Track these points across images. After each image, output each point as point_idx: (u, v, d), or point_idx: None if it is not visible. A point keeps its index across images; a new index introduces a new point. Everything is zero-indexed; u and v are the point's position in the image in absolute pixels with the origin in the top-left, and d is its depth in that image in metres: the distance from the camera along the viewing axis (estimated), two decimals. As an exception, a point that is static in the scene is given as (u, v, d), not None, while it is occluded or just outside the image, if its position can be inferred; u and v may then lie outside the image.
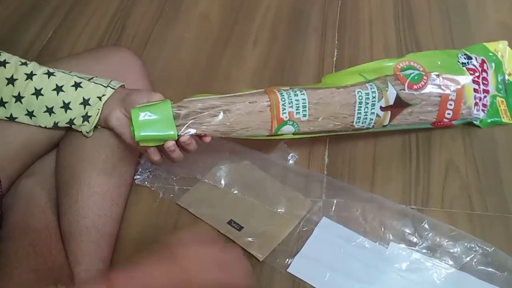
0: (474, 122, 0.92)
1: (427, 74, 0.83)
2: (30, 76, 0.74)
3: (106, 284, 0.55)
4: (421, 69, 0.84)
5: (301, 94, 0.77)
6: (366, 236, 0.80)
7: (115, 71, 0.84)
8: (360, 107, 0.79)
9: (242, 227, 0.81)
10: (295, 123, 0.77)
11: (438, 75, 0.84)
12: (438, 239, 0.78)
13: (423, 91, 0.83)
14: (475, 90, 0.87)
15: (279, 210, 0.83)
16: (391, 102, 0.81)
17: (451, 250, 0.77)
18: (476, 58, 0.90)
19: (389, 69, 0.84)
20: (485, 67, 0.90)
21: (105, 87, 0.75)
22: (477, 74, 0.88)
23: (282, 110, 0.75)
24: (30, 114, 0.76)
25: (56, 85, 0.75)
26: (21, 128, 0.77)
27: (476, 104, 0.88)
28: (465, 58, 0.88)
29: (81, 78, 0.76)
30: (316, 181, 0.88)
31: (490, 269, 0.74)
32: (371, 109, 0.80)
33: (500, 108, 0.93)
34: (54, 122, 0.76)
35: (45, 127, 0.77)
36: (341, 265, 0.77)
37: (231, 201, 0.85)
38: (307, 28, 1.18)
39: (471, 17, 1.16)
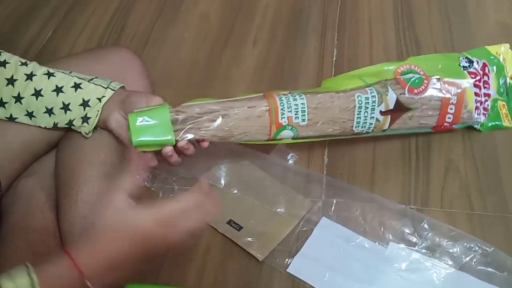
0: (475, 126, 0.91)
1: (428, 78, 0.83)
2: (30, 76, 0.74)
3: (70, 262, 0.52)
4: (421, 72, 0.84)
5: (300, 98, 0.76)
6: (365, 236, 0.80)
7: (114, 71, 0.84)
8: (360, 111, 0.79)
9: (242, 227, 0.81)
10: (294, 128, 0.76)
11: (438, 79, 0.83)
12: (437, 239, 0.78)
13: (423, 95, 0.82)
14: (476, 94, 0.86)
15: (278, 210, 0.83)
16: (391, 107, 0.81)
17: (451, 250, 0.77)
18: (477, 62, 0.89)
19: (389, 73, 0.83)
20: (486, 71, 0.90)
21: (105, 88, 0.75)
22: (478, 77, 0.87)
23: (281, 115, 0.75)
24: (30, 114, 0.76)
25: (56, 86, 0.75)
26: (21, 128, 0.77)
27: (477, 108, 0.87)
28: (466, 62, 0.88)
29: (81, 79, 0.76)
30: (315, 181, 0.88)
31: (489, 269, 0.74)
32: (371, 113, 0.80)
33: (501, 112, 0.92)
34: (54, 122, 0.76)
35: (45, 128, 0.77)
36: (340, 265, 0.77)
37: (230, 201, 0.85)
38: (306, 28, 1.18)
39: (471, 17, 1.16)
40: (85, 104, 0.74)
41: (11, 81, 0.74)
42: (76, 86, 0.75)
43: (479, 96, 0.87)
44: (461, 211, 0.82)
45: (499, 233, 0.79)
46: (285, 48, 1.14)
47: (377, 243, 0.79)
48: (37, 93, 0.74)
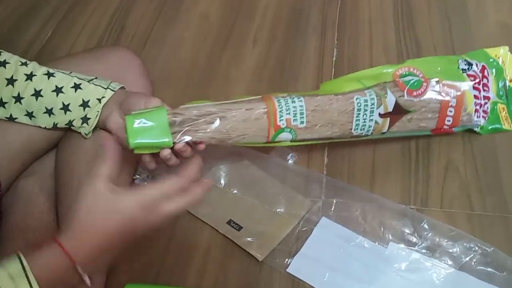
0: (475, 129, 0.91)
1: (427, 81, 0.83)
2: (30, 76, 0.74)
3: (60, 250, 0.53)
4: (420, 75, 0.83)
5: (298, 101, 0.76)
6: (365, 236, 0.80)
7: (114, 70, 0.84)
8: (359, 114, 0.79)
9: (242, 227, 0.81)
10: (292, 130, 0.76)
11: (438, 82, 0.83)
12: (437, 239, 0.78)
13: (422, 98, 0.82)
14: (476, 97, 0.86)
15: (278, 210, 0.83)
16: (390, 109, 0.81)
17: (451, 250, 0.77)
18: (476, 64, 0.89)
19: (388, 75, 0.83)
20: (485, 73, 0.90)
21: (105, 89, 0.75)
22: (477, 80, 0.87)
23: (279, 117, 0.74)
24: (30, 114, 0.76)
25: (56, 86, 0.75)
26: (21, 128, 0.77)
27: (476, 110, 0.87)
28: (465, 64, 0.88)
29: (81, 79, 0.76)
30: (315, 181, 0.88)
31: (489, 269, 0.74)
32: (370, 116, 0.79)
33: (501, 115, 0.92)
34: (54, 123, 0.76)
35: (45, 128, 0.77)
36: (340, 265, 0.77)
37: (230, 201, 0.85)
38: (306, 28, 1.18)
39: (471, 17, 1.16)
40: (85, 104, 0.74)
41: (11, 81, 0.74)
42: (76, 87, 0.75)
43: (478, 99, 0.87)
44: (461, 211, 0.82)
45: (499, 233, 0.79)
46: (285, 48, 1.14)
47: (377, 243, 0.79)
48: (37, 94, 0.74)
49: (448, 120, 0.85)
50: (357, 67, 1.08)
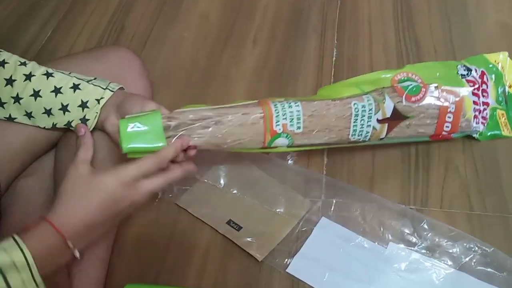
0: (474, 135, 0.90)
1: (425, 86, 0.82)
2: (28, 77, 0.74)
3: (52, 228, 0.58)
4: (419, 80, 0.83)
5: (295, 105, 0.75)
6: (365, 236, 0.80)
7: (114, 70, 0.84)
8: (356, 119, 0.78)
9: (241, 227, 0.81)
10: (289, 136, 0.75)
11: (436, 87, 0.82)
12: (437, 239, 0.78)
13: (421, 103, 0.81)
14: (475, 103, 0.86)
15: (278, 210, 0.83)
16: (388, 115, 0.80)
17: (450, 250, 0.77)
18: (475, 70, 0.88)
19: (386, 80, 0.82)
20: (485, 79, 0.89)
21: (104, 89, 0.74)
22: (476, 86, 0.86)
23: (276, 122, 0.74)
24: (29, 115, 0.76)
25: (55, 86, 0.74)
26: (20, 128, 0.77)
27: (475, 116, 0.86)
28: (464, 70, 0.87)
29: (80, 79, 0.75)
30: (315, 181, 0.88)
31: (489, 269, 0.74)
32: (368, 121, 0.79)
33: (500, 121, 0.91)
34: (53, 123, 0.76)
35: (44, 128, 0.77)
36: (340, 265, 0.77)
37: (230, 201, 0.85)
38: (306, 28, 1.18)
39: (471, 17, 1.16)
40: (83, 105, 0.74)
41: (10, 81, 0.74)
42: (75, 87, 0.75)
43: (477, 105, 0.86)
44: (460, 211, 0.82)
45: (499, 233, 0.79)
46: (285, 48, 1.14)
47: (376, 243, 0.79)
48: (36, 94, 0.74)
49: (447, 126, 0.84)
50: (357, 67, 1.08)
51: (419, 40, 1.12)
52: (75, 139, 0.76)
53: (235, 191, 0.87)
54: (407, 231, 0.80)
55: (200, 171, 0.89)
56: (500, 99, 0.92)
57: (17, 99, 0.75)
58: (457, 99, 0.83)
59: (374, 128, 0.80)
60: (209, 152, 0.84)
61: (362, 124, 0.78)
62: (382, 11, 1.20)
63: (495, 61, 0.93)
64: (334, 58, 1.10)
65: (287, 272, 0.77)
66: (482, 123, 0.89)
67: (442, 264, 0.76)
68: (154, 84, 0.93)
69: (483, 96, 0.88)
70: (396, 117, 0.81)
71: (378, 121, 0.80)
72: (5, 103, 0.75)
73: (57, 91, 0.74)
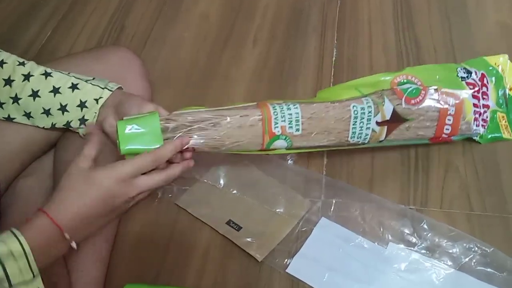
0: (474, 138, 0.90)
1: (425, 89, 0.82)
2: (27, 77, 0.74)
3: (49, 220, 0.59)
4: (419, 83, 0.82)
5: (294, 108, 0.75)
6: (365, 236, 0.79)
7: (114, 70, 0.84)
8: (355, 122, 0.78)
9: (241, 227, 0.81)
10: (287, 138, 0.75)
11: (436, 90, 0.82)
12: (437, 240, 0.78)
13: (420, 106, 0.81)
14: (475, 105, 0.85)
15: (278, 210, 0.83)
16: (388, 117, 0.80)
17: (450, 251, 0.77)
18: (475, 72, 0.88)
19: (386, 83, 0.82)
20: (485, 82, 0.89)
21: (102, 88, 0.74)
22: (476, 88, 0.86)
23: (274, 124, 0.74)
24: (28, 115, 0.76)
25: (53, 86, 0.74)
26: (20, 128, 0.77)
27: (475, 119, 0.86)
28: (464, 72, 0.86)
29: (78, 79, 0.75)
30: (315, 181, 0.87)
31: (489, 270, 0.74)
32: (367, 124, 0.78)
33: (500, 124, 0.91)
34: (52, 123, 0.76)
35: (43, 128, 0.77)
36: (340, 265, 0.77)
37: (230, 201, 0.85)
38: (306, 28, 1.18)
39: (470, 17, 1.16)
40: (82, 105, 0.74)
41: (8, 81, 0.74)
42: (73, 87, 0.74)
43: (477, 107, 0.86)
44: (460, 211, 0.82)
45: (499, 234, 0.79)
46: (285, 48, 1.14)
47: (376, 243, 0.79)
48: (35, 94, 0.74)
49: (446, 129, 0.84)
50: (357, 67, 1.08)
51: (419, 40, 1.12)
52: (75, 139, 0.76)
53: (234, 191, 0.87)
54: (407, 231, 0.80)
55: (200, 171, 0.89)
56: (501, 101, 0.92)
57: (16, 99, 0.75)
58: (457, 101, 0.83)
59: (373, 130, 0.79)
60: (208, 153, 0.85)
61: (361, 127, 0.78)
62: (382, 11, 1.20)
63: (495, 64, 0.92)
64: (334, 58, 1.10)
65: (287, 272, 0.77)
66: (482, 125, 0.88)
67: (442, 264, 0.76)
68: (154, 84, 0.93)
69: (483, 98, 0.87)
70: (396, 119, 0.80)
71: (378, 123, 0.79)
72: (4, 103, 0.75)
73: (55, 91, 0.74)
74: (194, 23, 1.22)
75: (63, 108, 0.75)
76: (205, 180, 0.88)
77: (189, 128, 0.69)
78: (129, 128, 0.66)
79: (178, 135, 0.68)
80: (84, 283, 0.72)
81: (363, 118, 0.78)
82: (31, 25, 1.23)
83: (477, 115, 0.86)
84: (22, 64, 0.75)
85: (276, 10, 1.23)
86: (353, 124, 0.78)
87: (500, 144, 0.91)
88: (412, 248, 0.78)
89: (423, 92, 0.81)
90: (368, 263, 0.77)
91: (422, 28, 1.14)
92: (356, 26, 1.17)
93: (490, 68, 0.92)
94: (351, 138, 0.79)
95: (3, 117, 0.76)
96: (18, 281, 0.53)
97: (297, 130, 0.75)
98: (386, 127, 0.80)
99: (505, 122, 0.92)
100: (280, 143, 0.76)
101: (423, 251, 0.77)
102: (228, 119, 0.71)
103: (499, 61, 0.93)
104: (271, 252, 0.79)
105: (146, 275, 0.79)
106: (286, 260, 0.78)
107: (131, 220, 0.85)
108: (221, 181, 0.88)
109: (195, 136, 0.69)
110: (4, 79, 0.74)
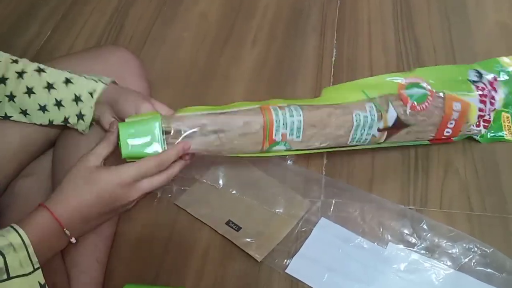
0: (475, 137, 0.90)
1: (432, 94, 0.80)
2: (21, 74, 0.74)
3: (50, 216, 0.60)
4: (428, 87, 0.80)
5: (297, 115, 0.74)
6: (364, 236, 0.79)
7: (113, 70, 0.84)
8: (357, 129, 0.77)
9: (240, 228, 0.81)
10: (287, 143, 0.75)
11: (443, 95, 0.80)
12: (436, 240, 0.78)
13: (425, 112, 0.80)
14: (480, 110, 0.83)
15: (277, 211, 0.83)
16: (390, 124, 0.79)
17: (450, 251, 0.77)
18: (487, 75, 0.86)
19: (393, 86, 0.80)
20: (495, 85, 0.86)
21: (96, 82, 0.74)
22: (485, 92, 0.84)
23: (275, 131, 0.73)
24: (24, 112, 0.76)
25: (47, 82, 0.74)
26: (18, 127, 0.77)
27: (478, 122, 0.86)
28: (475, 75, 0.85)
29: (72, 74, 0.75)
30: (314, 181, 0.87)
31: (488, 270, 0.74)
32: (368, 130, 0.78)
33: (504, 124, 0.90)
34: (49, 119, 0.76)
35: (41, 125, 0.77)
36: (339, 266, 0.76)
37: (229, 201, 0.85)
38: (306, 27, 1.18)
39: (470, 17, 1.16)
40: (77, 99, 0.74)
41: (2, 80, 0.74)
42: (67, 81, 0.74)
43: (483, 111, 0.84)
44: (460, 211, 0.82)
45: (498, 234, 0.79)
46: (284, 48, 1.14)
47: (376, 243, 0.79)
48: (29, 91, 0.74)
49: (447, 132, 0.83)
50: (357, 67, 1.08)
51: (418, 40, 1.12)
52: (74, 138, 0.76)
53: (234, 192, 0.87)
54: (406, 231, 0.80)
55: (199, 171, 0.89)
56: (508, 102, 0.90)
57: (11, 97, 0.74)
58: (463, 107, 0.81)
59: (373, 135, 0.79)
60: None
61: (362, 133, 0.78)
62: (382, 11, 1.20)
63: (508, 64, 0.90)
64: (333, 58, 1.10)
65: (287, 273, 0.77)
66: (484, 126, 0.88)
67: (441, 265, 0.76)
68: (154, 84, 0.93)
69: (490, 103, 0.85)
70: (398, 126, 0.80)
71: (379, 130, 0.79)
72: None
73: (50, 86, 0.74)
74: (194, 23, 1.22)
75: (58, 104, 0.74)
76: (205, 180, 0.88)
77: (191, 132, 0.69)
78: (131, 132, 0.66)
79: (179, 140, 0.69)
80: (83, 283, 0.72)
81: (365, 126, 0.78)
82: (30, 25, 1.23)
83: (480, 119, 0.85)
84: (15, 61, 0.75)
85: (276, 10, 1.23)
86: (354, 131, 0.78)
87: (499, 144, 0.91)
88: (411, 249, 0.78)
89: (430, 98, 0.80)
90: (368, 263, 0.77)
91: (421, 28, 1.14)
92: (355, 26, 1.17)
93: (503, 69, 0.90)
94: (349, 142, 0.79)
95: (0, 116, 0.76)
96: (17, 274, 0.54)
97: (298, 137, 0.75)
98: (386, 132, 0.80)
99: (509, 123, 0.91)
100: (280, 147, 0.76)
101: (422, 251, 0.77)
102: (230, 126, 0.71)
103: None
104: (271, 253, 0.79)
105: (146, 275, 0.79)
106: (285, 260, 0.78)
107: (131, 220, 0.84)
108: (221, 181, 0.88)
109: (196, 141, 0.70)
110: None
